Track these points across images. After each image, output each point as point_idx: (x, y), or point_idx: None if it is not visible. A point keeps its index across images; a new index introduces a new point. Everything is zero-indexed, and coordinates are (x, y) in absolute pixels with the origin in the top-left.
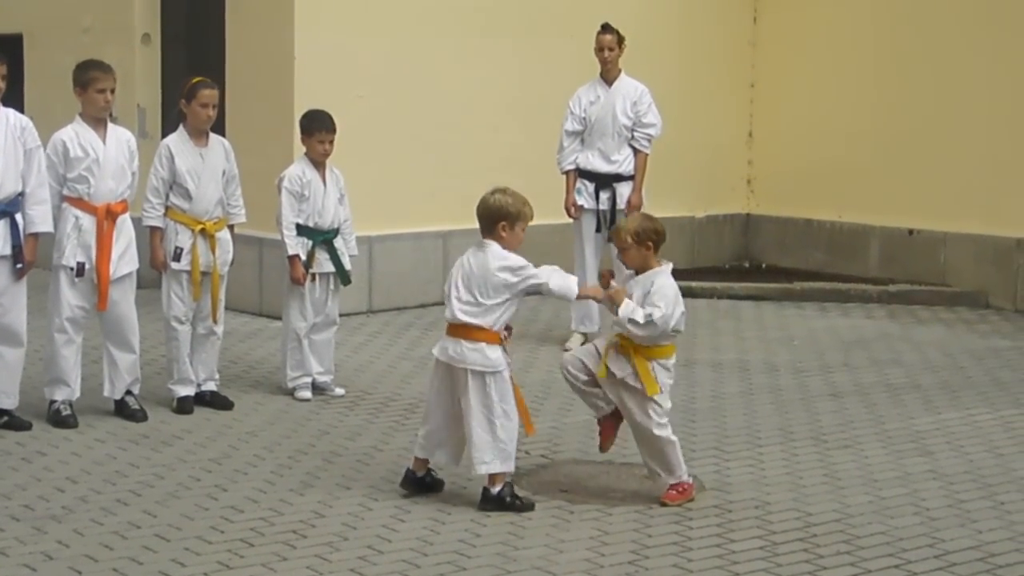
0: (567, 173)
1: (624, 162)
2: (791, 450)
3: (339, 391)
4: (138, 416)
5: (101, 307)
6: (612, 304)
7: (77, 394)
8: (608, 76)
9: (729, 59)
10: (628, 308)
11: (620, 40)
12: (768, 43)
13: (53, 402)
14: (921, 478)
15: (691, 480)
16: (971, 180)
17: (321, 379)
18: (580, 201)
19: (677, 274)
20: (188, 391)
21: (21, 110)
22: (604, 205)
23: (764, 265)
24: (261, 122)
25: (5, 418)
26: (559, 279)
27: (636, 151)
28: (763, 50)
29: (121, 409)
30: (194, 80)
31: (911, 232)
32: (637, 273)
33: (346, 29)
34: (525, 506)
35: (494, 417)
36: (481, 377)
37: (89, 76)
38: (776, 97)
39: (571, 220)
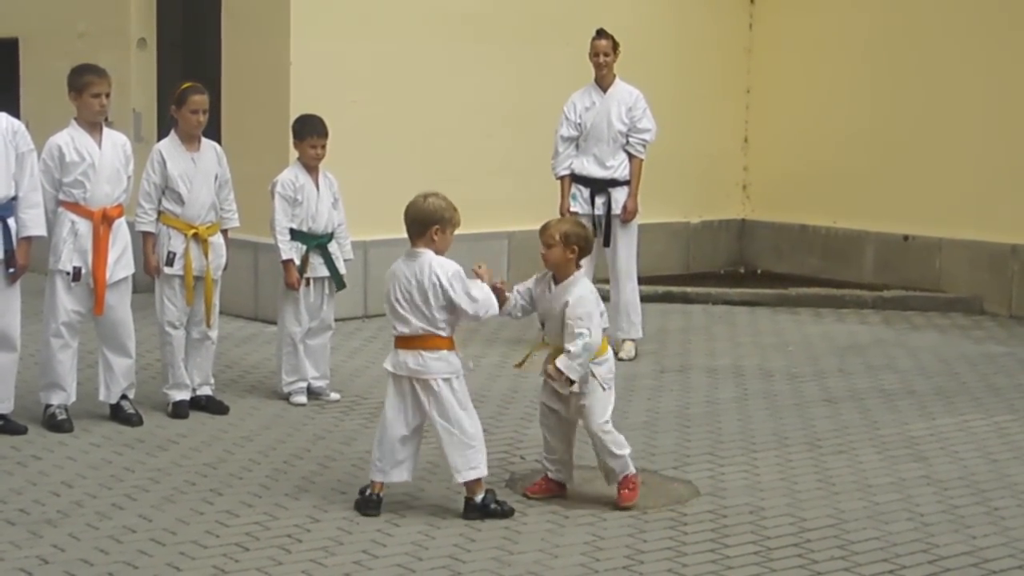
0: (562, 179)
1: (619, 167)
2: (786, 455)
3: (334, 396)
4: (133, 420)
5: (98, 312)
6: (554, 380)
7: (73, 398)
8: (603, 82)
9: (725, 65)
10: (567, 366)
11: (615, 46)
12: (764, 49)
13: (48, 406)
14: (915, 484)
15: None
16: (966, 186)
17: (316, 384)
18: (575, 207)
19: (672, 279)
20: (183, 395)
21: (16, 115)
22: (599, 211)
23: (759, 271)
24: (257, 127)
25: (0, 422)
26: (486, 303)
27: (631, 156)
28: (759, 56)
29: (116, 413)
30: (185, 86)
31: (906, 238)
32: (554, 277)
33: (342, 35)
34: (507, 511)
35: (463, 421)
36: (448, 383)
37: (84, 80)
38: (772, 103)
39: None
